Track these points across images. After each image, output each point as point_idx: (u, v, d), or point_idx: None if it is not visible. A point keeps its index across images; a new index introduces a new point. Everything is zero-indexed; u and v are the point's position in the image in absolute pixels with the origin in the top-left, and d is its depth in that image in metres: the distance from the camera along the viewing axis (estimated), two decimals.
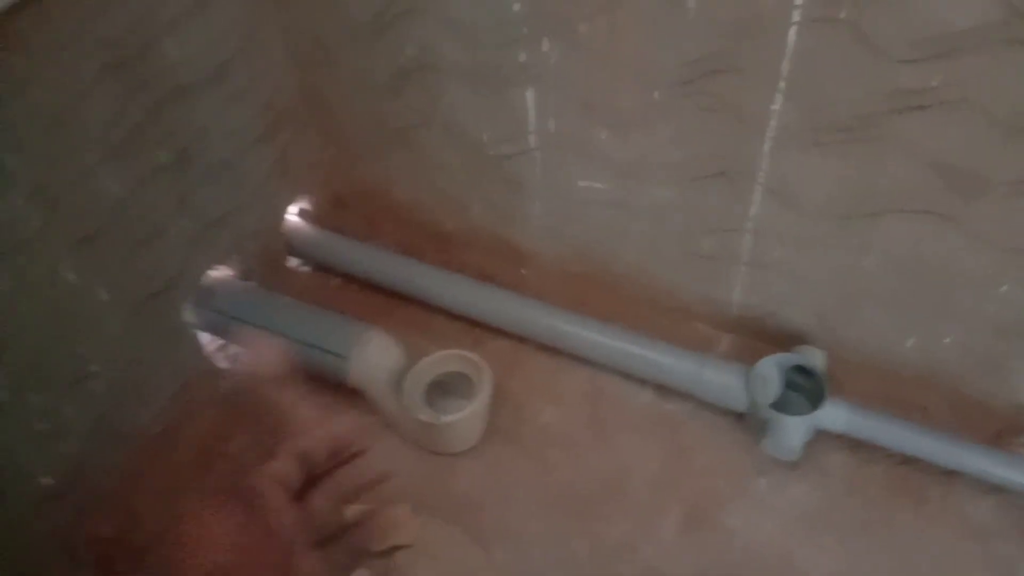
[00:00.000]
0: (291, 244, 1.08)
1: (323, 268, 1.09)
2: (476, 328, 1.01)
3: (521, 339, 0.99)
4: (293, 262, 1.11)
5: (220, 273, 0.96)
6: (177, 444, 0.88)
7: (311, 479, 0.41)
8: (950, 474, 0.85)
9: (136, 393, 0.84)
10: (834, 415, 0.82)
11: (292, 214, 1.09)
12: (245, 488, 0.37)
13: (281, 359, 0.44)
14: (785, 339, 0.92)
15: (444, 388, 0.92)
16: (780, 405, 0.84)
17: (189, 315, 0.91)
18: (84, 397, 0.78)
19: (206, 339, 0.96)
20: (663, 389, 0.93)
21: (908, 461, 0.86)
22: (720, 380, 0.87)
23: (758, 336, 0.95)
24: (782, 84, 0.71)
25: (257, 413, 0.42)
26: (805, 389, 0.87)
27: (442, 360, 0.91)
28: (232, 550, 0.35)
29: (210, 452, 0.88)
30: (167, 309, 0.87)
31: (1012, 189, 0.68)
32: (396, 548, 0.80)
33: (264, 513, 0.36)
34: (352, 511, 0.43)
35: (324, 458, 0.41)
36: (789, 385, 0.88)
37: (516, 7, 0.78)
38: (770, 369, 0.87)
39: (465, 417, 0.85)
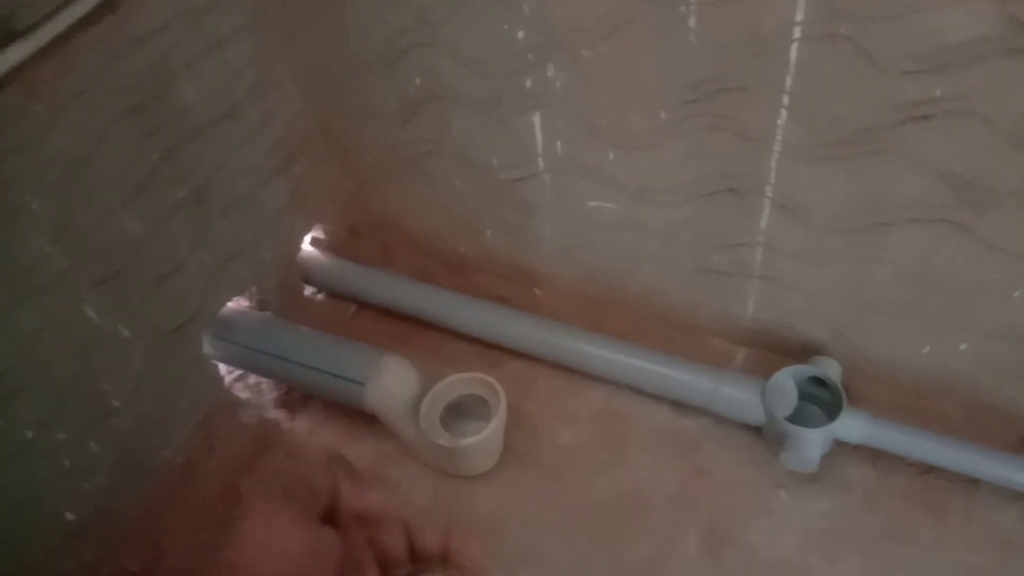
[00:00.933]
0: (307, 273, 1.09)
1: (339, 296, 1.11)
2: (492, 351, 1.01)
3: (537, 360, 0.99)
4: (309, 291, 1.12)
5: (238, 305, 0.97)
6: (199, 477, 0.90)
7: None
8: (972, 482, 0.84)
9: (158, 427, 0.86)
10: (852, 426, 0.82)
11: (307, 244, 1.10)
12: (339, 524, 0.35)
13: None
14: (800, 351, 0.92)
15: (461, 411, 0.93)
16: (797, 418, 0.84)
17: (208, 347, 0.93)
18: (108, 433, 0.79)
19: (225, 371, 0.98)
20: (679, 406, 0.93)
21: (929, 471, 0.85)
22: (736, 395, 0.87)
23: (773, 349, 0.95)
24: (786, 100, 0.72)
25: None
26: (822, 401, 0.87)
27: (458, 383, 0.92)
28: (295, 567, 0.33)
29: (232, 485, 0.89)
30: (187, 343, 0.88)
31: (1020, 199, 0.69)
32: None
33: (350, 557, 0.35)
34: None
35: (434, 552, 0.38)
36: (806, 397, 0.88)
37: (520, 35, 0.80)
38: (786, 381, 0.87)
39: (482, 440, 0.86)
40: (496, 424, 0.87)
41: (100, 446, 0.79)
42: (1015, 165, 0.67)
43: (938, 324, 0.82)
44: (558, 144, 0.88)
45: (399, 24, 0.85)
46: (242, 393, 0.99)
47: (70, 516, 0.77)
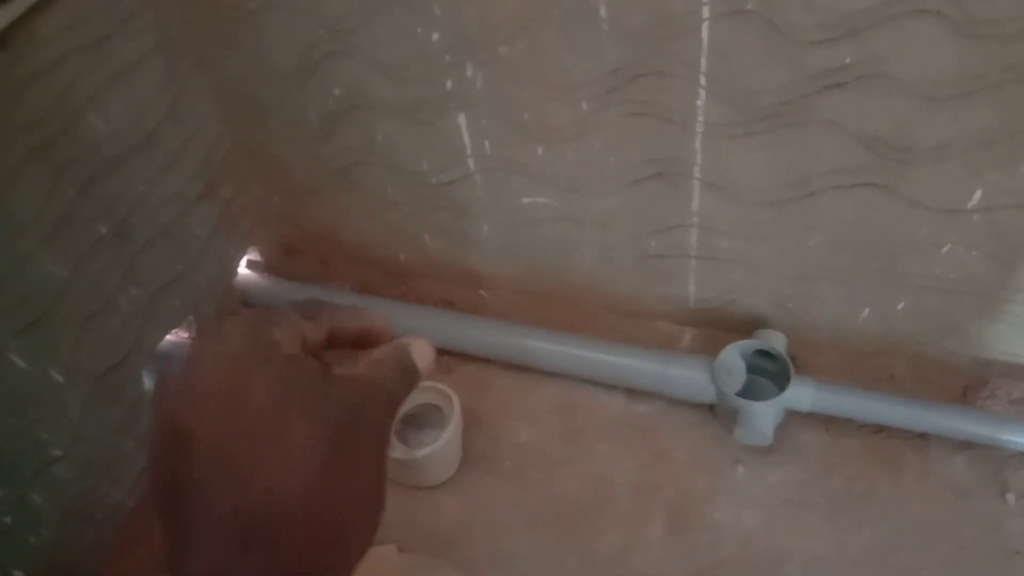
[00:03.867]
0: (246, 297, 1.07)
1: None
2: (442, 356, 1.00)
3: (488, 361, 0.99)
4: None
5: (176, 336, 0.95)
6: (152, 518, 0.87)
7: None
8: (923, 437, 0.86)
9: (105, 472, 0.83)
10: (801, 395, 0.83)
11: (243, 267, 1.08)
12: (263, 327, 0.32)
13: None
14: (745, 326, 0.93)
15: (417, 422, 0.92)
16: (748, 392, 0.85)
17: (148, 384, 0.90)
18: (50, 483, 0.76)
19: None
20: (633, 392, 0.93)
21: (880, 430, 0.87)
22: (686, 375, 0.88)
23: (719, 326, 0.96)
24: (703, 80, 0.72)
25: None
26: (771, 373, 0.88)
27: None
28: (234, 366, 0.30)
29: None
30: (125, 382, 0.86)
31: (937, 154, 0.70)
32: None
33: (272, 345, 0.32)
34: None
35: (352, 338, 0.37)
36: (755, 371, 0.88)
37: (435, 37, 0.79)
38: (733, 357, 0.87)
39: (439, 449, 0.85)
40: (451, 432, 0.86)
41: (43, 498, 0.76)
42: (929, 123, 0.68)
43: (874, 286, 0.83)
44: (486, 143, 0.87)
45: (311, 36, 0.84)
46: None
47: (18, 575, 0.74)
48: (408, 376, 0.36)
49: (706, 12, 0.68)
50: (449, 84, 0.82)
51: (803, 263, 0.84)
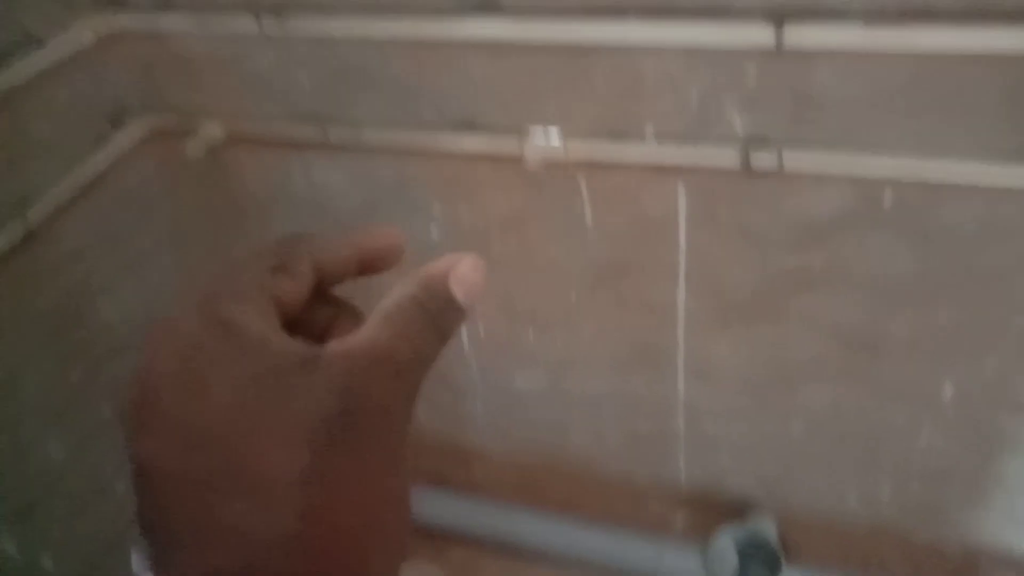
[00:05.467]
0: None
1: None
2: (434, 537, 1.00)
3: (480, 543, 0.98)
4: None
5: None
6: None
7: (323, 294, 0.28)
8: None
9: None
10: None
11: None
12: (221, 305, 0.24)
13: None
14: (737, 506, 0.93)
15: None
16: None
17: (137, 565, 0.89)
18: None
19: None
20: None
21: None
22: (679, 563, 0.87)
23: (710, 507, 0.96)
24: (682, 278, 0.77)
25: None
26: (763, 558, 0.88)
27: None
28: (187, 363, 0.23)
29: None
30: (117, 564, 0.85)
31: (907, 348, 0.74)
32: None
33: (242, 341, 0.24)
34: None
35: (352, 270, 0.28)
36: (746, 555, 0.88)
37: (434, 234, 0.84)
38: (725, 545, 0.87)
39: None
40: None
41: None
42: (897, 319, 0.72)
43: (858, 470, 0.85)
44: (480, 327, 0.91)
45: (317, 228, 0.89)
46: None
47: None
48: (439, 321, 0.25)
49: (682, 219, 0.73)
50: None
51: (787, 447, 0.86)
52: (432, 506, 0.99)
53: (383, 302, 0.25)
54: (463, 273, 0.26)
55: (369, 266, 0.27)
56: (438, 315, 0.25)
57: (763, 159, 0.65)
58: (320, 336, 0.27)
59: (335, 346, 0.23)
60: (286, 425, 0.22)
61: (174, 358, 0.23)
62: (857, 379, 0.78)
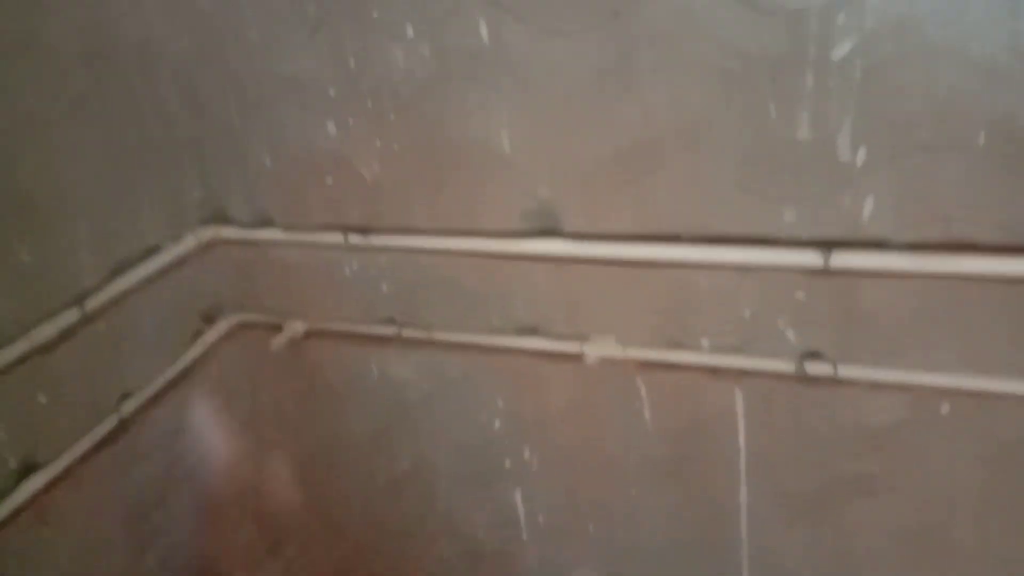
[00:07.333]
0: None
1: None
2: None
3: None
4: None
5: None
6: None
7: None
8: None
9: None
10: None
11: None
12: None
13: None
14: None
15: None
16: None
17: None
18: None
19: None
20: None
21: None
22: None
23: None
24: (743, 476, 0.78)
25: None
26: None
27: None
28: None
29: None
30: None
31: (975, 551, 0.72)
32: None
33: None
34: None
35: None
36: None
37: (497, 425, 0.87)
38: None
39: None
40: None
41: None
42: (962, 527, 0.71)
43: None
44: (540, 517, 0.92)
45: (386, 413, 0.93)
46: None
47: None
48: None
49: (741, 420, 0.75)
50: (508, 463, 0.90)
51: None
52: None
53: None
54: None
55: None
56: None
57: (817, 367, 0.68)
58: None
59: None
60: None
61: None
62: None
